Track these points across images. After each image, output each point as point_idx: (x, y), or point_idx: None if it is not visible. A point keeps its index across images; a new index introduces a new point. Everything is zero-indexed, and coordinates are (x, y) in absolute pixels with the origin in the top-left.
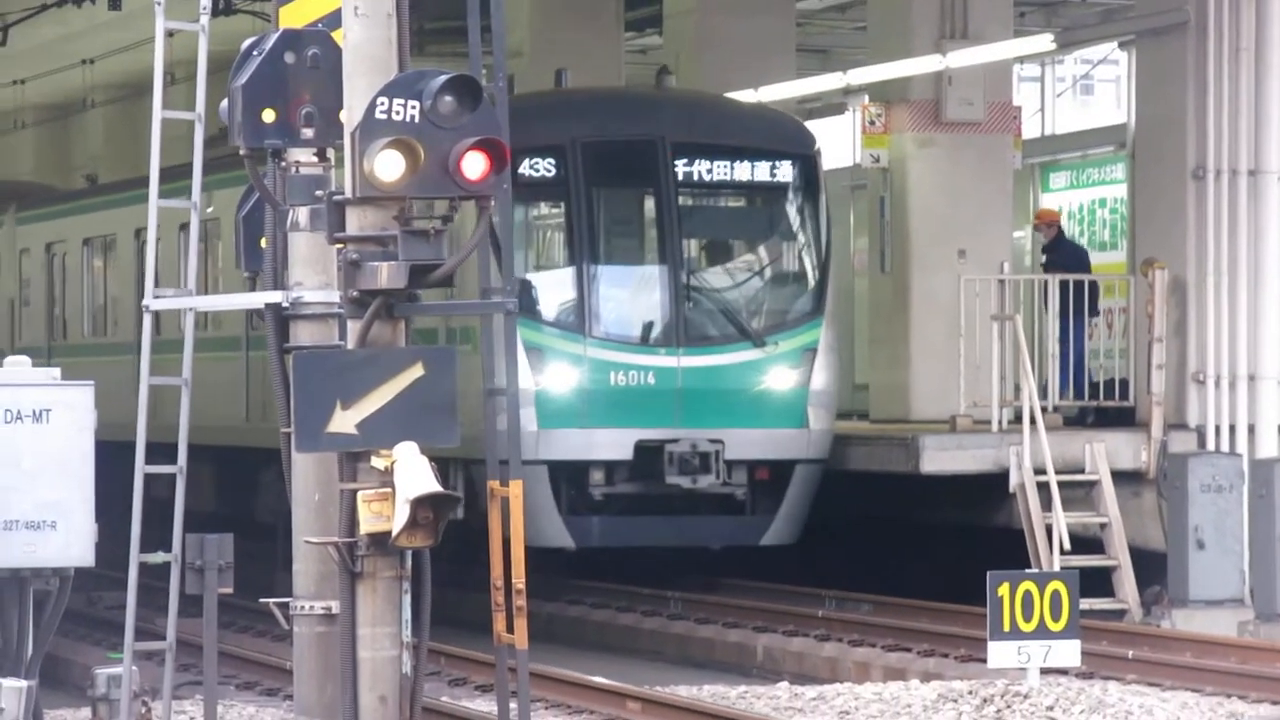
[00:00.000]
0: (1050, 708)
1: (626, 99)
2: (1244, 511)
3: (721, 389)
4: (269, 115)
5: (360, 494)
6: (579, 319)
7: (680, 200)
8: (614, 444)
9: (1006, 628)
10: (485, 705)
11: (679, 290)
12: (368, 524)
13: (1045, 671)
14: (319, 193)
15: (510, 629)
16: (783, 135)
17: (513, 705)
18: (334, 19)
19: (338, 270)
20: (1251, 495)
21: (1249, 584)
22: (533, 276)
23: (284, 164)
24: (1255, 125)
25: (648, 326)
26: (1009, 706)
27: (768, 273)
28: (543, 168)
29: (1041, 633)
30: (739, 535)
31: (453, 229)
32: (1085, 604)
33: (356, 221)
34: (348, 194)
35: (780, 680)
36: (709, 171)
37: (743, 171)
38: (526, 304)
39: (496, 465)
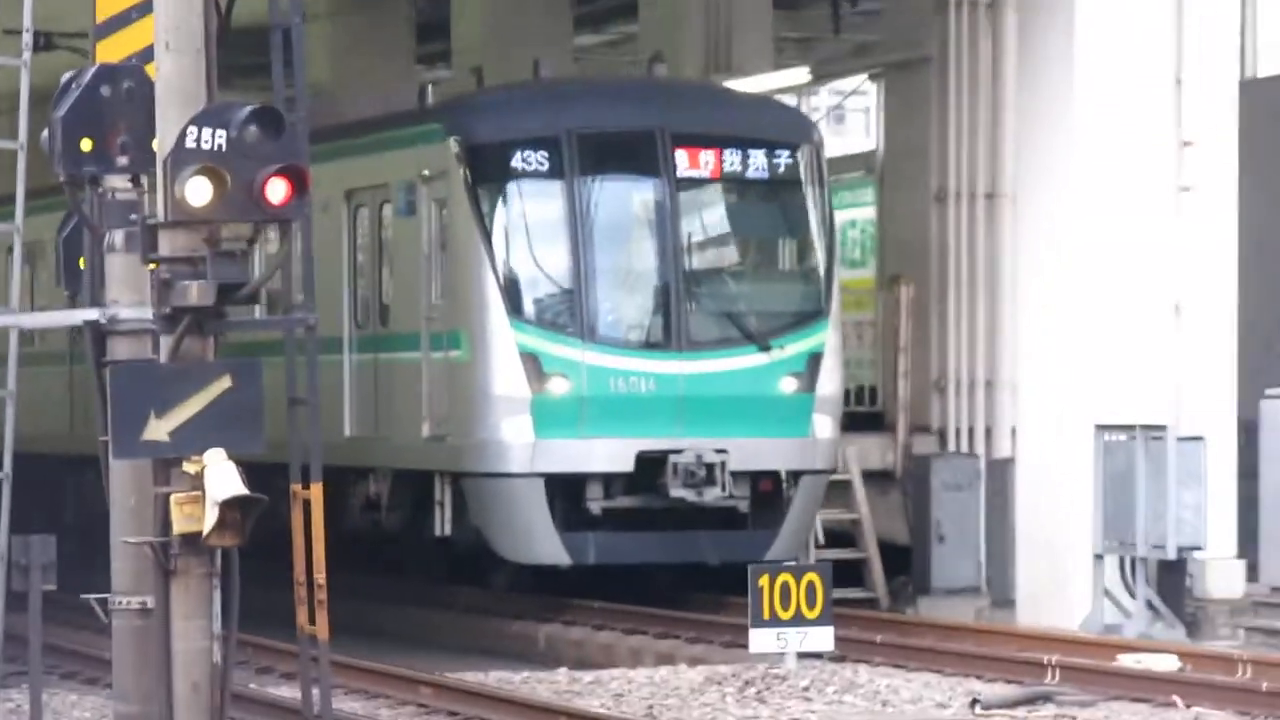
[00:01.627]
0: (806, 688)
1: (622, 88)
2: (981, 507)
3: (725, 396)
4: (87, 144)
5: (173, 497)
6: (575, 322)
7: (680, 194)
8: (614, 455)
9: (766, 616)
10: (290, 692)
11: (680, 291)
12: (180, 525)
13: (802, 655)
14: (133, 217)
15: (312, 621)
16: (784, 124)
17: (315, 691)
18: (147, 54)
19: (151, 289)
20: (988, 492)
21: (985, 574)
22: (525, 277)
23: (101, 190)
24: (992, 152)
25: (648, 329)
26: (769, 688)
27: (772, 271)
28: (535, 160)
29: (798, 620)
30: (742, 551)
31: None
32: (839, 594)
33: (168, 244)
34: (160, 218)
35: (560, 667)
36: (709, 163)
37: (744, 163)
38: (519, 306)
39: (299, 470)
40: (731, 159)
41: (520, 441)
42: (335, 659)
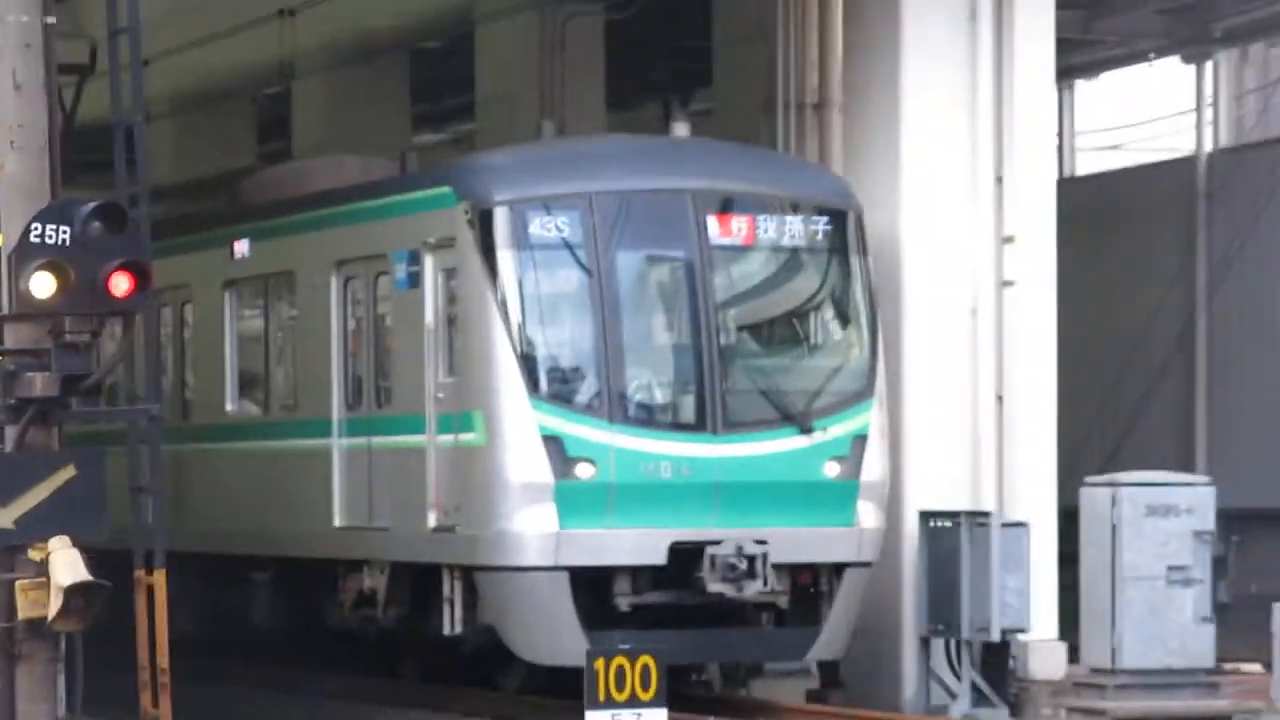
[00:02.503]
0: None
1: (648, 147)
2: None
3: (764, 482)
4: None
5: (18, 583)
6: (602, 402)
7: (713, 263)
8: (645, 546)
9: (601, 698)
10: None
11: (715, 368)
12: (25, 610)
13: None
14: None
15: (155, 704)
16: (823, 188)
17: None
18: None
19: None
20: None
21: None
22: (546, 353)
23: None
24: None
25: (680, 410)
26: None
27: (812, 347)
28: (556, 225)
29: (633, 702)
30: (783, 650)
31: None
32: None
33: (13, 336)
34: (4, 311)
35: None
36: (743, 229)
37: (781, 229)
38: (540, 385)
39: (142, 555)
40: (767, 225)
41: (542, 532)
42: None
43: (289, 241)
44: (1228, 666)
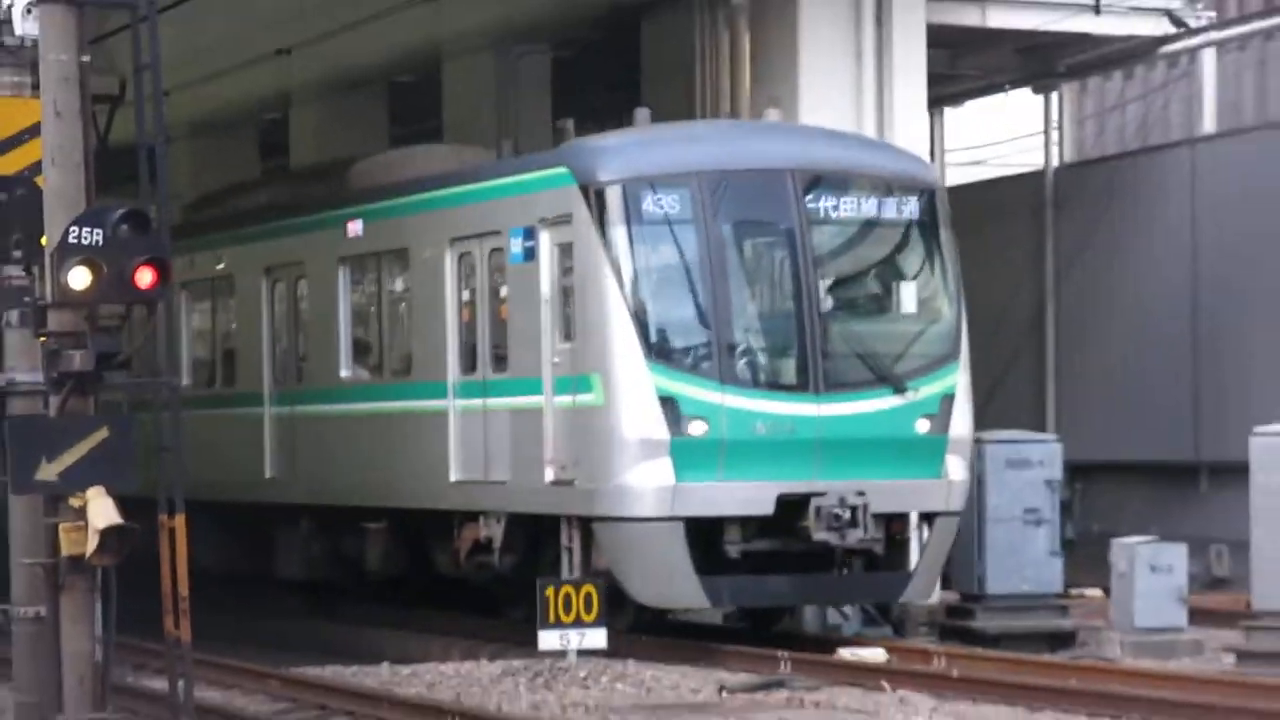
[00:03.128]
0: (584, 678)
1: (750, 129)
2: None
3: (862, 438)
4: None
5: (61, 526)
6: (713, 365)
7: (813, 235)
8: (754, 498)
9: (552, 620)
10: (161, 683)
11: (817, 333)
12: (67, 548)
13: (581, 652)
14: (26, 299)
15: (176, 625)
16: (911, 167)
17: (181, 683)
18: (37, 167)
19: (42, 358)
20: None
21: None
22: (660, 320)
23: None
24: None
25: (785, 372)
26: (554, 678)
27: (903, 313)
28: (667, 202)
29: (578, 624)
30: (878, 592)
31: None
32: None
33: (55, 321)
34: (49, 300)
35: (383, 661)
36: (839, 206)
37: (875, 205)
38: (656, 349)
39: (166, 502)
40: (862, 200)
41: (660, 485)
42: (197, 657)
43: (402, 221)
44: (1074, 592)
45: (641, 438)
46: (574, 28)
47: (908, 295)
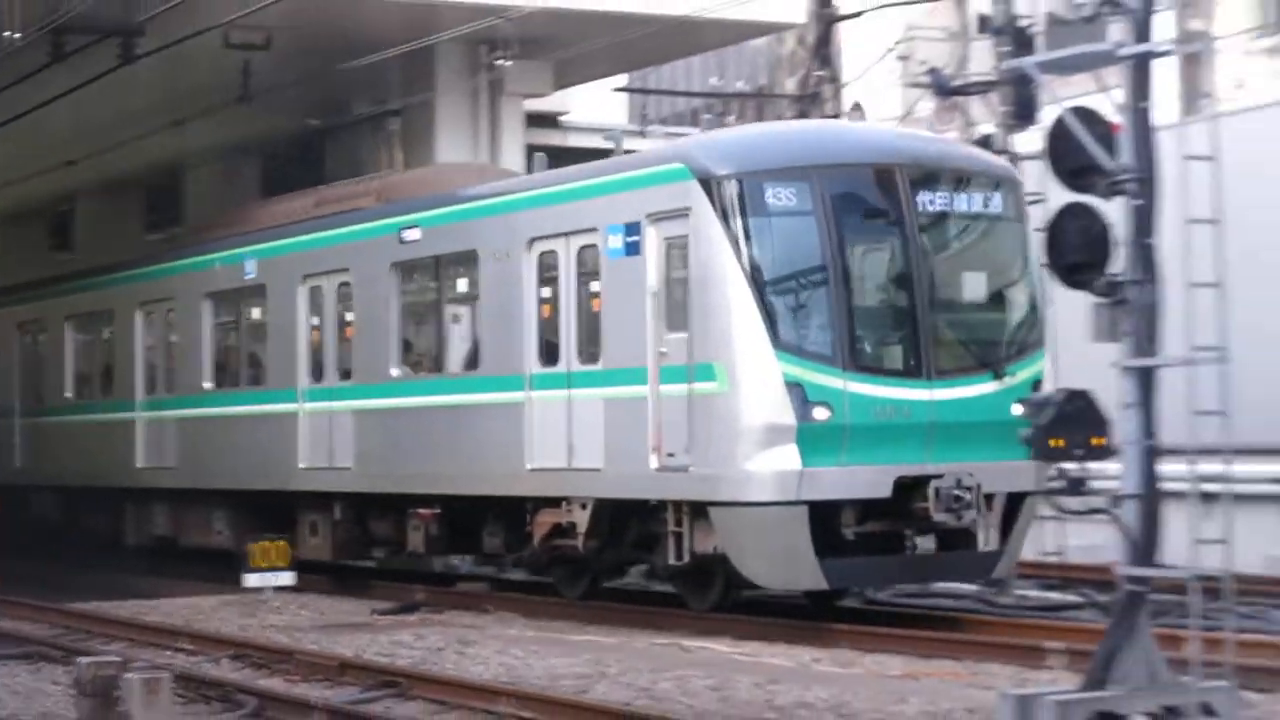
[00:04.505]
0: (278, 607)
1: (851, 128)
2: None
3: (969, 421)
4: None
5: None
6: (836, 352)
7: (921, 228)
8: (874, 481)
9: (254, 565)
10: None
11: (928, 320)
12: None
13: (277, 589)
14: None
15: None
16: (996, 165)
17: None
18: None
19: None
20: None
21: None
22: (784, 309)
23: None
24: None
25: (901, 358)
26: (258, 607)
27: (999, 301)
28: (786, 195)
29: (274, 569)
30: (975, 570)
31: None
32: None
33: None
34: None
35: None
36: (942, 198)
37: (972, 199)
38: (784, 338)
39: None
40: (961, 196)
41: (787, 470)
42: (4, 597)
43: (467, 224)
44: None
45: (769, 423)
46: (279, 144)
47: (1001, 284)
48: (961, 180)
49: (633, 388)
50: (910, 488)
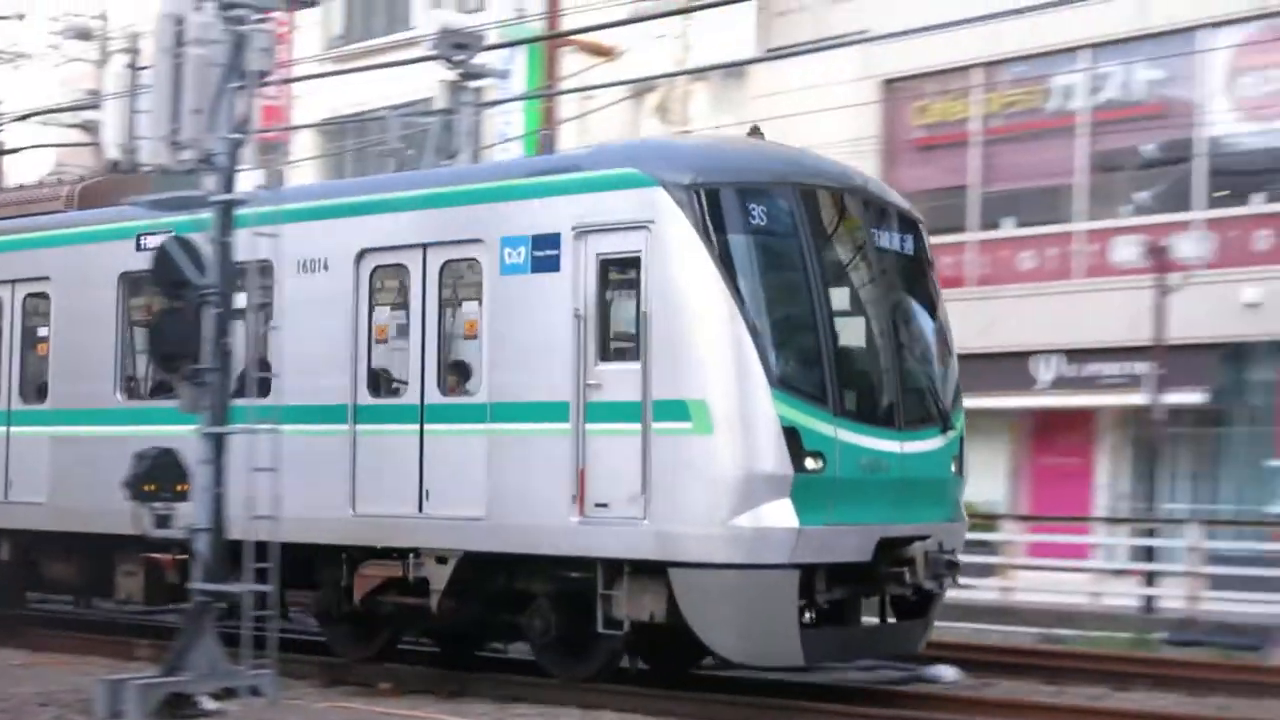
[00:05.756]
0: None
1: (794, 150)
2: None
3: (929, 478)
4: None
5: None
6: (827, 394)
7: (880, 260)
8: (860, 543)
9: None
10: None
11: (896, 363)
12: None
13: None
14: None
15: None
16: (903, 201)
17: None
18: None
19: None
20: None
21: None
22: (776, 341)
23: None
24: None
25: (878, 405)
26: None
27: (937, 348)
28: (768, 212)
29: None
30: (910, 641)
31: None
32: None
33: None
34: None
35: None
36: (885, 235)
37: (900, 235)
38: (779, 375)
39: None
40: (896, 233)
41: (783, 527)
42: None
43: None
44: None
45: (764, 473)
46: None
47: (937, 329)
48: (895, 214)
49: (537, 424)
50: (889, 549)
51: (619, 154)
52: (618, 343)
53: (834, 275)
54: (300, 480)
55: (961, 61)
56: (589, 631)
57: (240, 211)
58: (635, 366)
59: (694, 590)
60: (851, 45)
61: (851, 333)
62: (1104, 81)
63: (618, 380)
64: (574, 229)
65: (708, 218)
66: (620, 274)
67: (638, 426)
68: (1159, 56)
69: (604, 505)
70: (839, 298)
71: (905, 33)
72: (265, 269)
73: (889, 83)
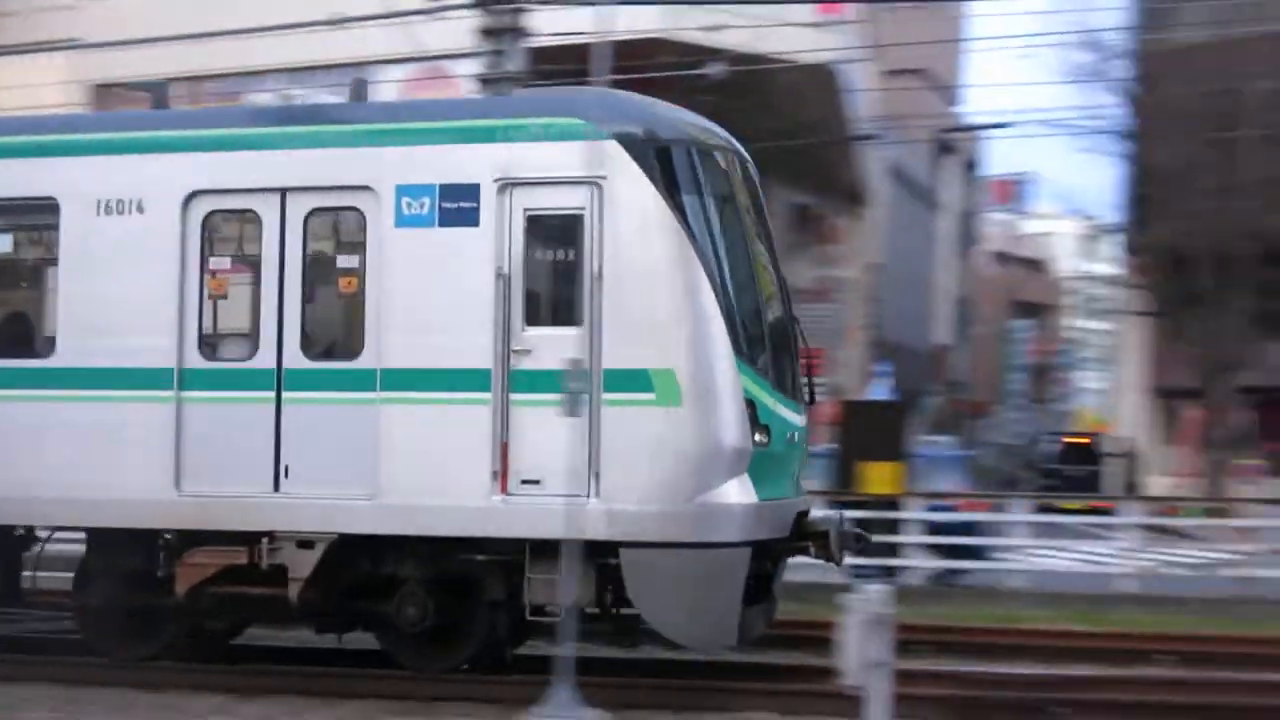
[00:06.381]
0: None
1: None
2: None
3: (805, 450)
4: None
5: None
6: (766, 365)
7: (768, 225)
8: (785, 518)
9: None
10: None
11: (792, 330)
12: None
13: None
14: None
15: None
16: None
17: None
18: None
19: None
20: None
21: None
22: (730, 308)
23: None
24: None
25: (787, 374)
26: None
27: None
28: (715, 170)
29: None
30: (769, 617)
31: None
32: None
33: None
34: None
35: None
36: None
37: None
38: (738, 344)
39: None
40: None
41: (744, 503)
42: None
43: (48, 163)
44: None
45: (732, 447)
46: None
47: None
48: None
49: (445, 393)
50: (796, 523)
51: (559, 103)
52: (552, 306)
53: (755, 239)
54: (98, 455)
55: (169, 74)
56: (469, 619)
57: (9, 138)
58: (574, 332)
59: (646, 571)
60: (62, 51)
61: (771, 300)
62: (294, 101)
63: (553, 346)
64: (497, 181)
65: (667, 176)
66: (555, 231)
67: (571, 398)
68: (336, 84)
69: (534, 482)
70: (760, 263)
71: (116, 43)
72: (47, 206)
73: (101, 88)
